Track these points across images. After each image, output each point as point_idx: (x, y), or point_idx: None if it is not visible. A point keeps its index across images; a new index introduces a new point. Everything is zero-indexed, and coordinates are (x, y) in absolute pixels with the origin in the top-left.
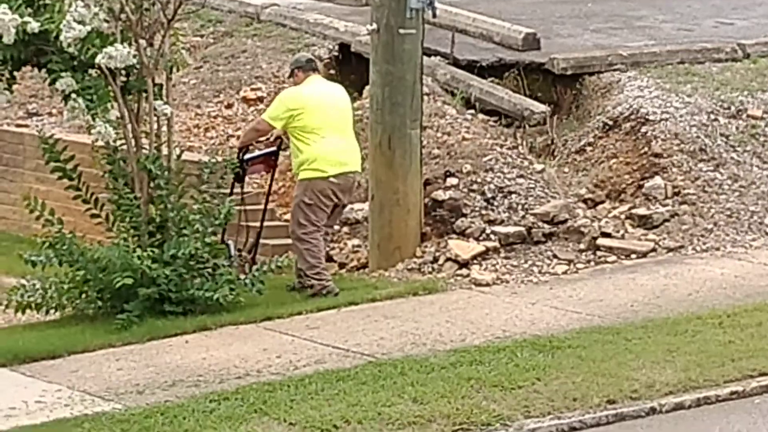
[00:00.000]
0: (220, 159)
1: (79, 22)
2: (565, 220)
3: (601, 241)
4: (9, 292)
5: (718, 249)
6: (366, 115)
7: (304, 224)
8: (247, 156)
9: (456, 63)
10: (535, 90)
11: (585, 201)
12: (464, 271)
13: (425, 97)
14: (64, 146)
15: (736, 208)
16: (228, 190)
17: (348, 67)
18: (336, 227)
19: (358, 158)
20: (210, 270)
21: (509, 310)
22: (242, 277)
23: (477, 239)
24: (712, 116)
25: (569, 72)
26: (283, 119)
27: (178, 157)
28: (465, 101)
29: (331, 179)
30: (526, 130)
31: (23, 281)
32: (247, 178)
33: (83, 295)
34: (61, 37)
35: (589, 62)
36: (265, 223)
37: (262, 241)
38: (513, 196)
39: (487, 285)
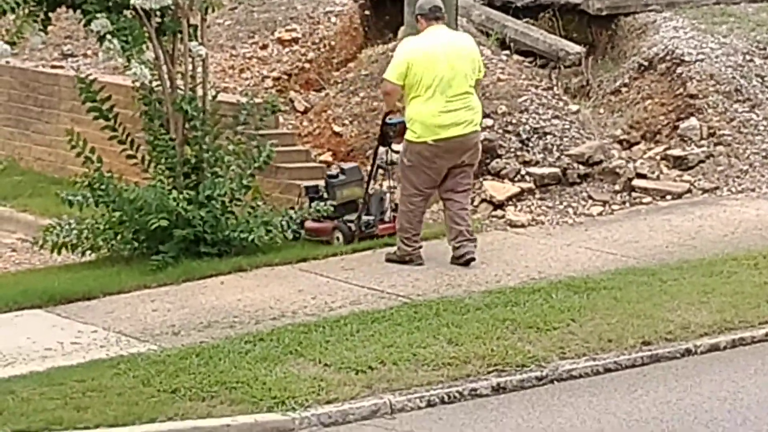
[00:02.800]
0: (256, 100)
1: None
2: (600, 162)
3: (636, 182)
4: (44, 232)
5: (753, 190)
6: None
7: (405, 186)
8: (391, 120)
9: (491, 4)
10: (570, 31)
11: (620, 142)
12: (499, 212)
13: None
14: (101, 87)
15: None
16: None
17: (383, 8)
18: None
19: (471, 118)
20: (249, 211)
21: (544, 251)
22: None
23: (512, 180)
24: (748, 57)
25: (604, 13)
26: (402, 73)
27: (214, 98)
28: (500, 42)
29: (430, 143)
30: (561, 71)
31: (59, 220)
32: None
33: (119, 237)
34: None
35: (625, 3)
36: (301, 164)
37: (296, 182)
38: (548, 137)
39: (522, 226)
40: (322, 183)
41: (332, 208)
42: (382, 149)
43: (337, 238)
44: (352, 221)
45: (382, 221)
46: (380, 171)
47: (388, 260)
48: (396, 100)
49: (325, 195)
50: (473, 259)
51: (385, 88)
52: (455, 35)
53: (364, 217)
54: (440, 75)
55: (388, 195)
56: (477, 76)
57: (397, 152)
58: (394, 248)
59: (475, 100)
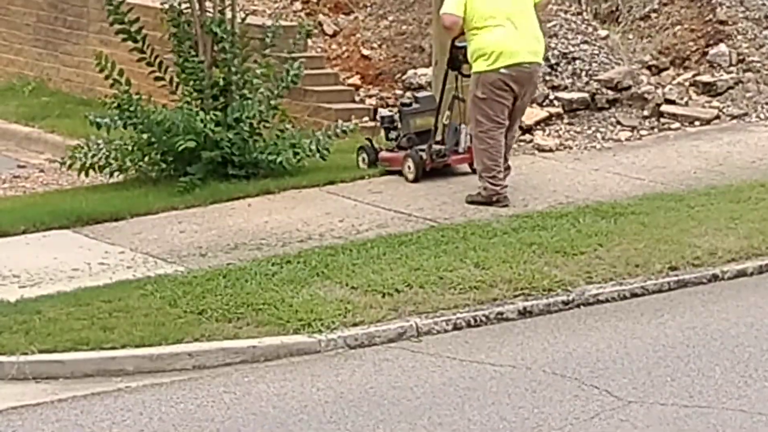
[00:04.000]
0: (286, 23)
1: None
2: (629, 87)
3: (664, 107)
4: (72, 151)
5: None
6: None
7: (480, 121)
8: (460, 43)
9: None
10: None
11: (649, 68)
12: (527, 136)
13: None
14: (129, 8)
15: None
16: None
17: None
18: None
19: (537, 48)
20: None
21: (572, 176)
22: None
23: (540, 105)
24: None
25: None
26: (461, 4)
27: (243, 20)
28: None
29: (502, 70)
30: None
31: (86, 141)
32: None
33: (146, 158)
34: None
35: None
36: (330, 88)
37: (324, 105)
38: (577, 62)
39: (550, 151)
40: (396, 112)
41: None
42: (451, 74)
43: (408, 167)
44: (424, 150)
45: (455, 152)
46: (457, 102)
47: (471, 202)
48: (457, 33)
49: (399, 125)
50: (506, 186)
51: (444, 22)
52: None
53: (435, 146)
54: (500, 6)
55: (463, 126)
56: (536, 0)
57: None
58: (478, 189)
59: (537, 31)
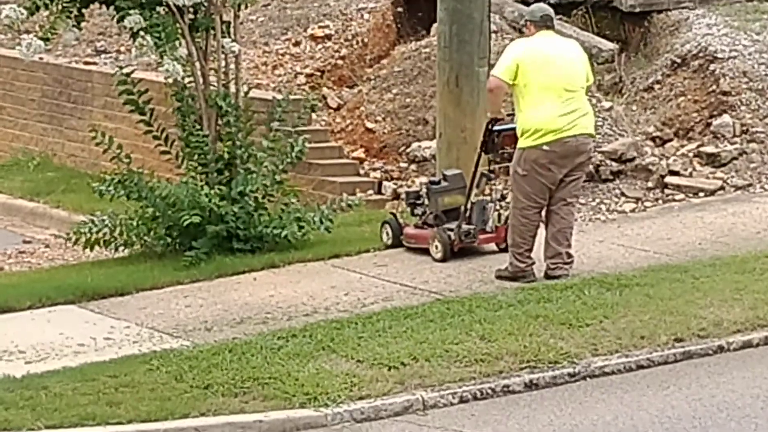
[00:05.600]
0: (291, 97)
1: None
2: (633, 158)
3: (669, 179)
4: (78, 228)
5: None
6: (434, 53)
7: (518, 198)
8: (498, 127)
9: (524, 1)
10: (603, 27)
11: (653, 139)
12: None
13: (493, 35)
14: (137, 81)
15: None
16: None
17: (416, 5)
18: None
19: (586, 122)
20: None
21: (577, 247)
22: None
23: None
24: None
25: (637, 9)
26: (512, 71)
27: (246, 94)
28: None
29: (545, 147)
30: (594, 68)
31: (92, 217)
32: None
33: (152, 232)
34: None
35: (658, 0)
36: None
37: (329, 178)
38: None
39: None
40: (423, 188)
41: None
42: (483, 158)
43: (436, 247)
44: (452, 230)
45: (483, 231)
46: (485, 180)
47: (498, 277)
48: (501, 99)
49: (426, 201)
50: (532, 263)
51: (490, 85)
52: (565, 41)
53: (464, 226)
54: (553, 78)
55: (491, 204)
56: (588, 83)
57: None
58: (505, 264)
59: (587, 105)
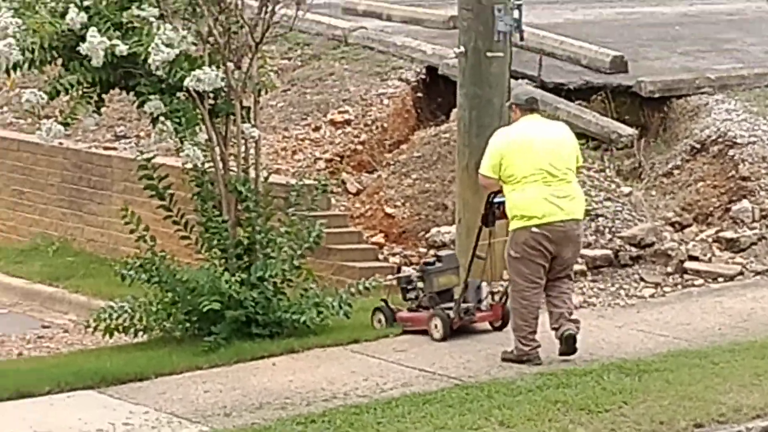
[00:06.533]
0: (308, 182)
1: (168, 45)
2: (653, 243)
3: (688, 264)
4: (97, 314)
5: None
6: (453, 138)
7: (515, 281)
8: (497, 199)
9: (543, 86)
10: (622, 113)
11: (672, 224)
12: None
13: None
14: (157, 166)
15: None
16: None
17: (435, 90)
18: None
19: (576, 205)
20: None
21: (596, 333)
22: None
23: None
24: None
25: (657, 95)
26: (496, 166)
27: (266, 179)
28: None
29: (533, 229)
30: (613, 153)
31: (111, 303)
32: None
33: (171, 317)
34: (150, 60)
35: (677, 85)
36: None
37: (348, 264)
38: (600, 219)
39: (575, 308)
40: (414, 272)
41: (427, 298)
42: (485, 231)
43: (435, 326)
44: (449, 309)
45: (479, 309)
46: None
47: (504, 360)
48: (495, 187)
49: (419, 284)
50: (575, 339)
51: (481, 182)
52: (551, 124)
53: (463, 305)
54: (537, 163)
55: (485, 284)
56: (577, 163)
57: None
58: (511, 347)
59: (576, 189)
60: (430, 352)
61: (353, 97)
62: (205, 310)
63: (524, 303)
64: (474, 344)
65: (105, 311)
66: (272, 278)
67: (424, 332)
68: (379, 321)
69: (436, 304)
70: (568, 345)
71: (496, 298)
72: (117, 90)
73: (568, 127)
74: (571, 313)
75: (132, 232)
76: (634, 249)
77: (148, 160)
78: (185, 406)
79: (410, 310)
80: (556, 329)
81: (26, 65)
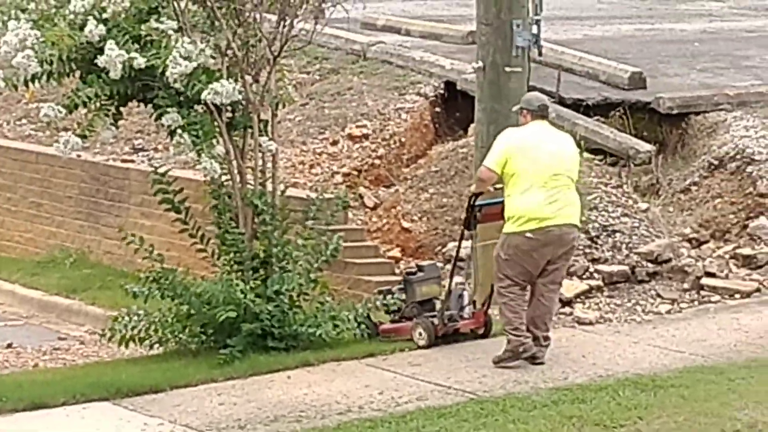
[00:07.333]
0: (326, 195)
1: (186, 58)
2: (669, 260)
3: (705, 280)
4: (113, 323)
5: None
6: (471, 153)
7: (501, 278)
8: (478, 202)
9: (562, 101)
10: (640, 129)
11: (689, 240)
12: (567, 309)
13: None
14: (173, 179)
15: None
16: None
17: (453, 105)
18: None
19: (569, 211)
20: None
21: (612, 348)
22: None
23: (580, 278)
24: None
25: (675, 111)
26: (501, 163)
27: (283, 193)
28: None
29: (527, 234)
30: (631, 169)
31: (126, 312)
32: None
33: (186, 330)
34: (168, 73)
35: (695, 102)
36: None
37: (365, 277)
38: (617, 234)
39: (590, 323)
40: (394, 286)
41: (412, 305)
42: (466, 234)
43: (419, 334)
44: (432, 317)
45: (462, 317)
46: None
47: (498, 363)
48: (488, 186)
49: (402, 295)
50: (542, 363)
51: (480, 174)
52: (558, 133)
53: (447, 312)
54: (541, 168)
55: (466, 291)
56: (575, 174)
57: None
58: (501, 351)
59: (574, 196)
60: (445, 367)
61: (371, 112)
62: (220, 321)
63: (512, 296)
64: (489, 359)
65: (120, 321)
66: (288, 291)
67: (410, 340)
68: (363, 335)
69: (419, 313)
70: (532, 363)
71: (478, 305)
72: (135, 103)
73: (572, 139)
74: (546, 338)
75: (136, 251)
76: (650, 265)
77: (163, 174)
78: (200, 419)
79: (393, 321)
80: (533, 338)
81: (44, 77)
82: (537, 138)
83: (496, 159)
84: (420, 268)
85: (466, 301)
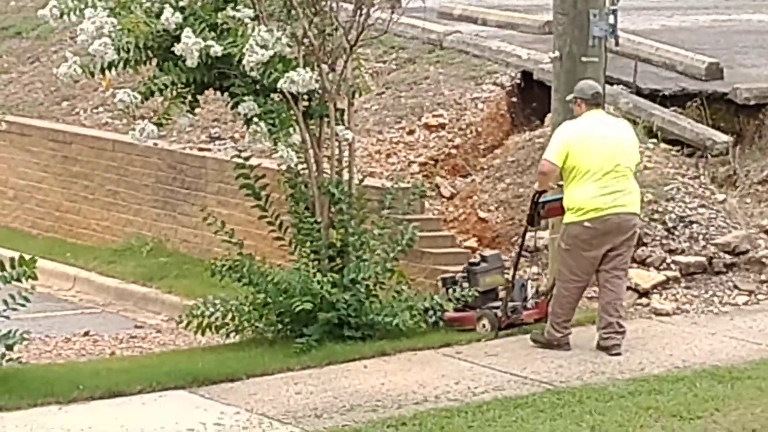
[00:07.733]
0: (402, 185)
1: (262, 47)
2: (747, 251)
3: None
4: (190, 311)
5: None
6: (548, 143)
7: (561, 271)
8: (542, 199)
9: (638, 92)
10: (717, 120)
11: (767, 232)
12: (644, 300)
13: None
14: (253, 167)
15: None
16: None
17: (530, 95)
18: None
19: (631, 200)
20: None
21: (689, 340)
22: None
23: (657, 268)
24: None
25: (752, 102)
26: (563, 155)
27: (360, 182)
28: (647, 130)
29: (586, 224)
30: (708, 160)
31: (204, 300)
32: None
33: (263, 318)
34: (244, 61)
35: None
36: (446, 250)
37: (441, 267)
38: (694, 225)
39: (667, 315)
40: (458, 274)
41: (475, 295)
42: (530, 230)
43: (483, 325)
44: (496, 308)
45: (525, 307)
46: (522, 257)
47: (534, 340)
48: (551, 180)
49: (465, 285)
50: (619, 353)
51: (542, 168)
52: (615, 121)
53: (511, 303)
54: (600, 159)
55: (529, 282)
56: (635, 162)
57: (541, 238)
58: (543, 330)
59: (633, 185)
60: (521, 357)
61: (448, 101)
62: (297, 310)
63: (565, 293)
64: (563, 349)
65: (198, 308)
66: (365, 280)
67: (473, 330)
68: (426, 322)
69: (482, 303)
70: (609, 354)
71: (544, 296)
72: (211, 91)
73: (629, 125)
74: (621, 324)
75: (216, 233)
76: (728, 256)
77: (246, 159)
78: (276, 407)
79: (456, 310)
80: (603, 338)
81: (121, 65)
82: (596, 128)
83: (557, 152)
84: (483, 258)
85: (529, 291)
